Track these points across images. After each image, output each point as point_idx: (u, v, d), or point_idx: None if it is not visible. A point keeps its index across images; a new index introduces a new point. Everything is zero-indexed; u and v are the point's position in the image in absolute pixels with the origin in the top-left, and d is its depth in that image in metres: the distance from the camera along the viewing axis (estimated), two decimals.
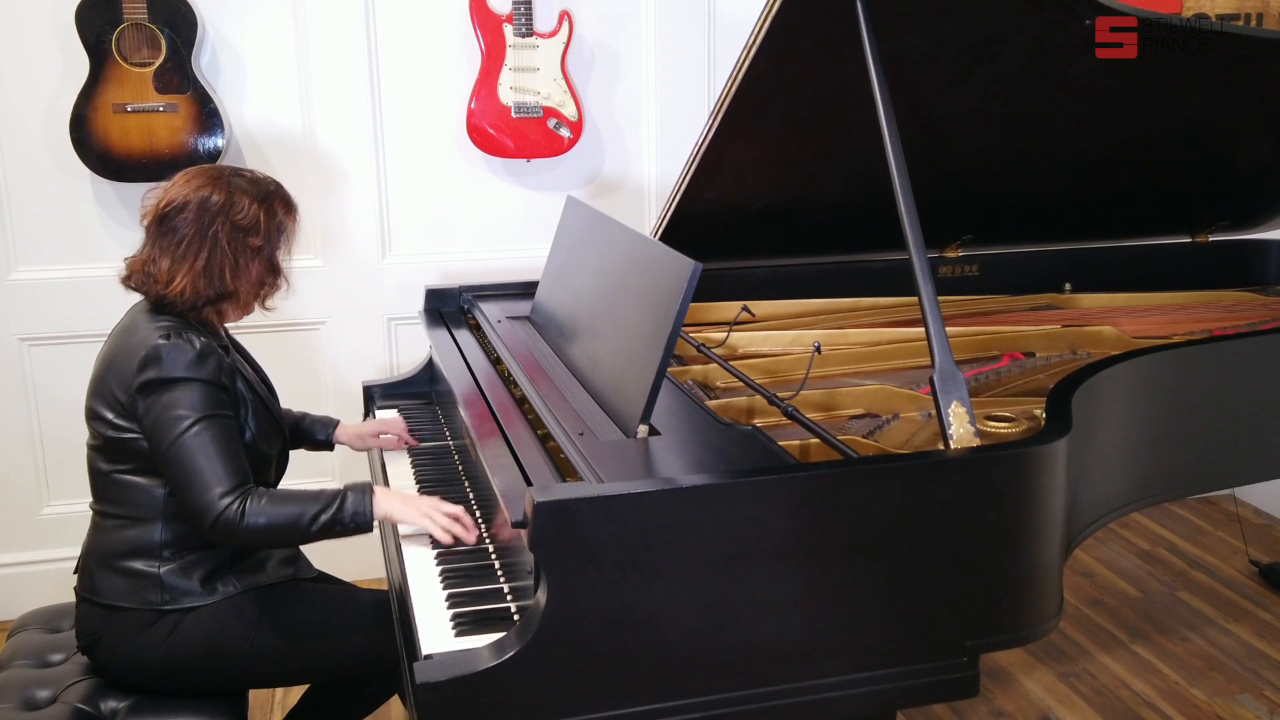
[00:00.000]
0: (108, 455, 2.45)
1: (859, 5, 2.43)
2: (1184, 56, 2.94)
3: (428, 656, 1.96)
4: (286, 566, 2.57)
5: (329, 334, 4.16)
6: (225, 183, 2.48)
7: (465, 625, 2.09)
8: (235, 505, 2.29)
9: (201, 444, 2.31)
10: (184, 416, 2.31)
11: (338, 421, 3.05)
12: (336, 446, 3.04)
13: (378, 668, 2.55)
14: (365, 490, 2.40)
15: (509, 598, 2.19)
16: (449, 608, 2.16)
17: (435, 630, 2.09)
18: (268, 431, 2.58)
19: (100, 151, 3.70)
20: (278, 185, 2.59)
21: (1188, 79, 3.04)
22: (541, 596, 1.87)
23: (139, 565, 2.43)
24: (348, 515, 2.37)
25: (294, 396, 4.08)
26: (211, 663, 2.45)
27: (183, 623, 2.41)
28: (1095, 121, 3.17)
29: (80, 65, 3.66)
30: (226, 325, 2.64)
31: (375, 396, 3.38)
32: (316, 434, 3.00)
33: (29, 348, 3.92)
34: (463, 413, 2.65)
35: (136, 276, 2.47)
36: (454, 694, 1.84)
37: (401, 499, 2.44)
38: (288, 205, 2.58)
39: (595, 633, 1.89)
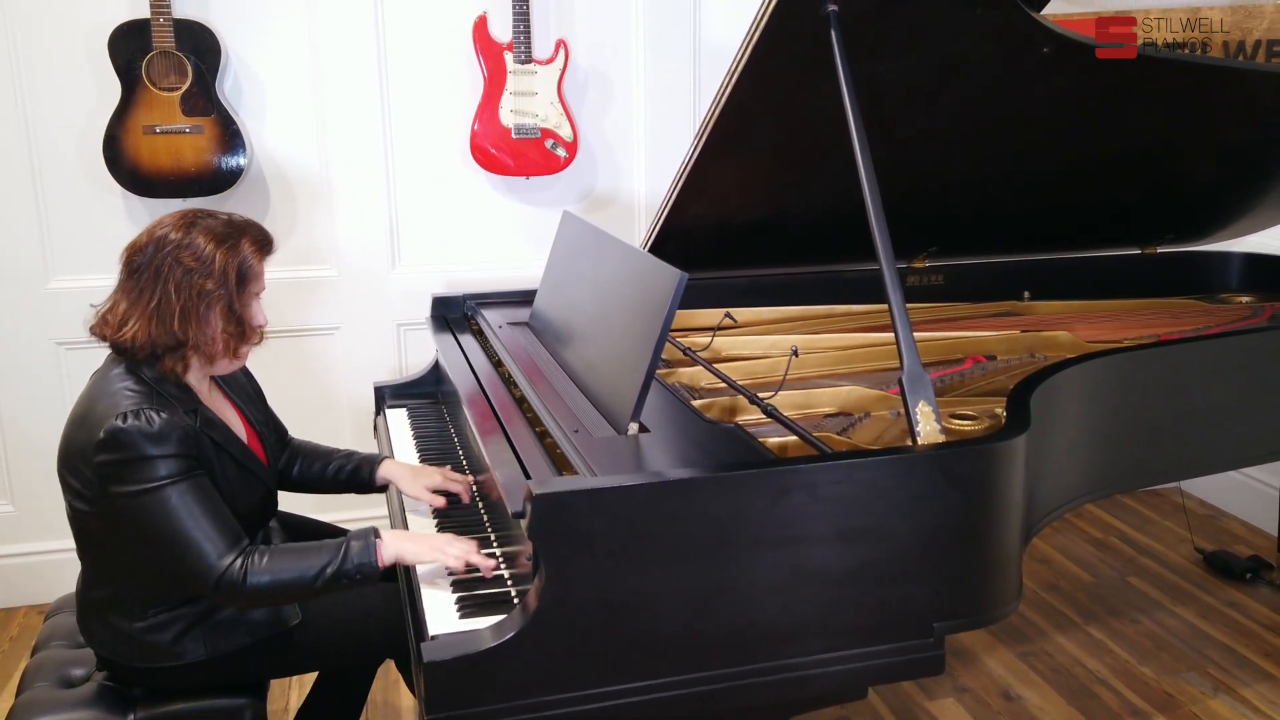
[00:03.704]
0: (77, 520, 2.28)
1: (833, 34, 2.43)
2: (1136, 81, 2.95)
3: (434, 637, 1.95)
4: (262, 626, 2.34)
5: (343, 338, 4.16)
6: (190, 223, 2.25)
7: (469, 608, 2.09)
8: (237, 565, 2.12)
9: (185, 508, 2.11)
10: (156, 489, 2.11)
11: (383, 458, 2.75)
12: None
13: (388, 650, 2.54)
14: (368, 536, 2.22)
15: (509, 583, 2.19)
16: (453, 592, 2.16)
17: (441, 613, 2.09)
18: (240, 489, 2.33)
19: (131, 170, 3.69)
20: (257, 226, 2.35)
21: (1139, 103, 3.04)
22: (539, 582, 1.87)
23: (115, 620, 2.29)
24: (352, 566, 2.17)
25: (309, 398, 4.09)
26: (218, 682, 2.36)
27: (172, 675, 2.31)
28: (1053, 142, 3.17)
29: (112, 90, 3.66)
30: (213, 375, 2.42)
31: (386, 396, 3.36)
32: (362, 473, 2.70)
33: (65, 351, 3.91)
34: (466, 411, 2.65)
35: (97, 324, 2.27)
36: (458, 672, 1.84)
37: (411, 538, 2.25)
38: (259, 244, 2.31)
39: (589, 615, 1.88)
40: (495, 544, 2.38)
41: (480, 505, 2.57)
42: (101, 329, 2.27)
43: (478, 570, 2.21)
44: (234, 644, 2.33)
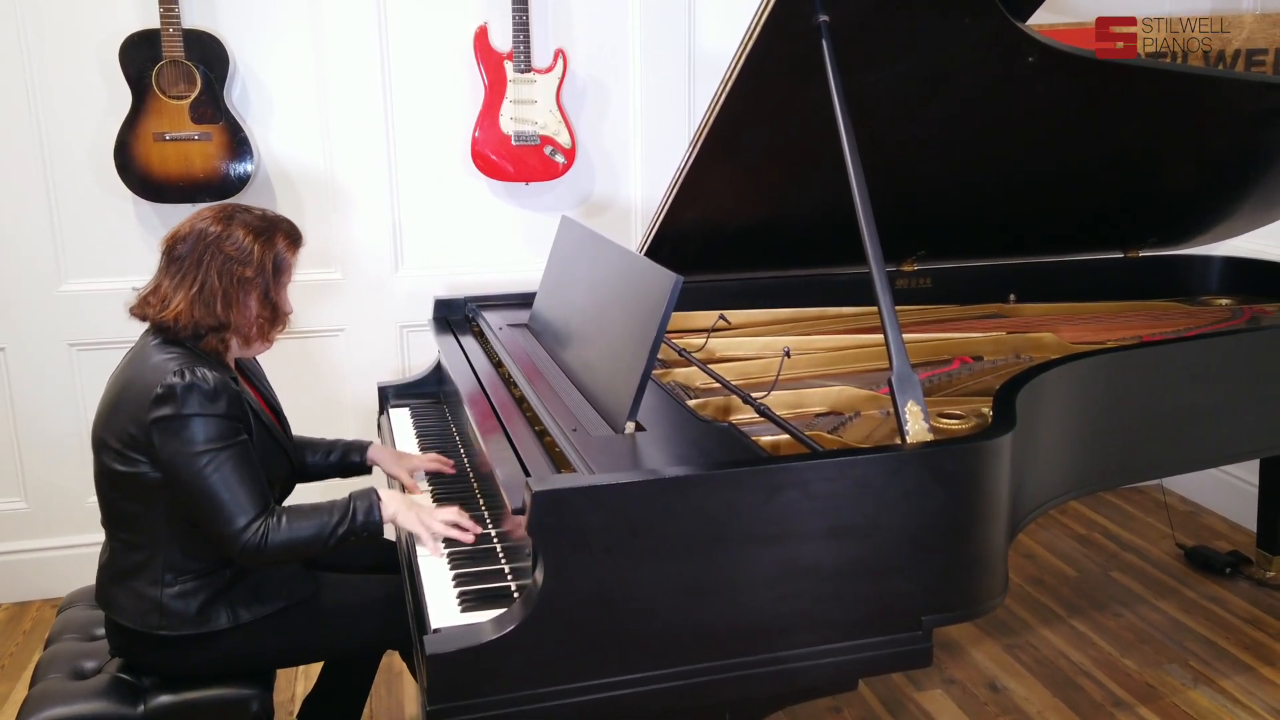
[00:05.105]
0: (111, 484, 2.32)
1: (825, 44, 2.43)
2: (1119, 89, 2.95)
3: (436, 630, 1.95)
4: (282, 591, 2.42)
5: (347, 340, 4.16)
6: (228, 217, 2.37)
7: (470, 602, 2.09)
8: (259, 530, 2.21)
9: (221, 476, 2.20)
10: (200, 452, 2.19)
11: (369, 443, 2.87)
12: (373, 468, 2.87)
13: (391, 643, 2.54)
14: (370, 496, 2.35)
15: (509, 577, 2.18)
16: (455, 586, 2.16)
17: (443, 607, 2.09)
18: (271, 461, 2.45)
19: (141, 176, 3.69)
20: (288, 222, 2.47)
21: (1122, 110, 3.05)
22: (539, 576, 1.87)
23: (143, 587, 2.32)
24: (360, 523, 2.31)
25: (315, 397, 4.09)
26: (231, 669, 2.39)
27: (191, 649, 2.34)
28: (1038, 148, 3.17)
29: (123, 98, 3.66)
30: (239, 358, 2.50)
31: (389, 396, 3.37)
32: (351, 457, 2.82)
33: (78, 352, 3.91)
34: (467, 411, 2.65)
35: (138, 305, 2.37)
36: (460, 664, 1.85)
37: (404, 503, 2.38)
38: (291, 239, 2.44)
39: (587, 609, 1.89)
40: (490, 526, 2.40)
41: (475, 486, 2.58)
42: (143, 309, 2.37)
43: (460, 544, 2.33)
44: (255, 613, 2.38)
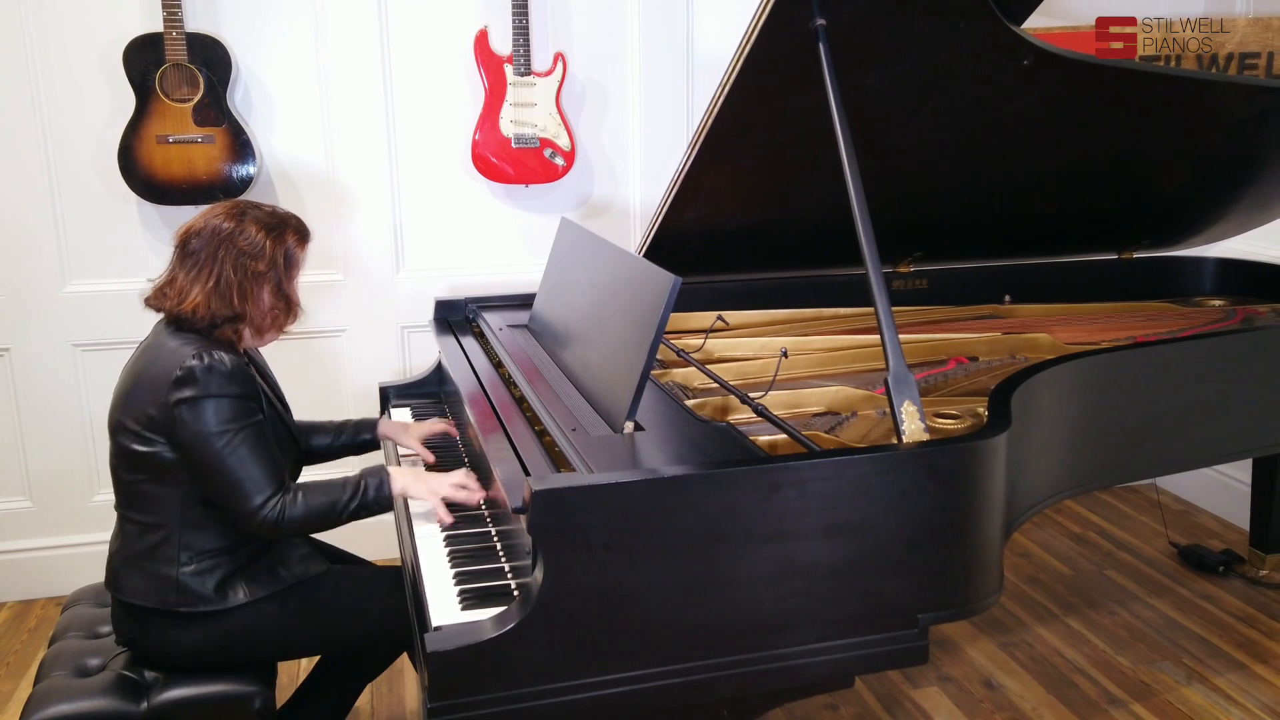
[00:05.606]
0: (129, 466, 2.37)
1: (821, 47, 2.43)
2: (1113, 92, 2.95)
3: (437, 628, 1.96)
4: (296, 569, 2.48)
5: (349, 341, 4.16)
6: (240, 213, 2.43)
7: (470, 600, 2.09)
8: (275, 506, 2.29)
9: (239, 457, 2.27)
10: (220, 431, 2.26)
11: (377, 419, 2.95)
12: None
13: (396, 635, 2.55)
14: (381, 473, 2.42)
15: (509, 575, 2.19)
16: (456, 584, 2.16)
17: (444, 604, 2.09)
18: (282, 444, 2.50)
19: (145, 178, 3.70)
20: (297, 219, 2.52)
21: (1116, 113, 3.05)
22: (538, 575, 1.87)
23: (159, 567, 2.36)
24: (371, 498, 2.39)
25: (317, 397, 4.09)
26: (239, 653, 2.42)
27: (206, 625, 2.37)
28: (1033, 151, 3.18)
29: (127, 101, 3.66)
30: (249, 348, 2.56)
31: (390, 396, 3.37)
32: (363, 435, 2.89)
33: (82, 353, 3.91)
34: (468, 410, 2.65)
35: (154, 297, 2.44)
36: (461, 661, 1.85)
37: (413, 476, 2.46)
38: (300, 235, 2.50)
39: (586, 607, 1.89)
40: (490, 523, 2.40)
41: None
42: (160, 300, 2.43)
43: (465, 508, 2.45)
44: (269, 589, 2.42)
